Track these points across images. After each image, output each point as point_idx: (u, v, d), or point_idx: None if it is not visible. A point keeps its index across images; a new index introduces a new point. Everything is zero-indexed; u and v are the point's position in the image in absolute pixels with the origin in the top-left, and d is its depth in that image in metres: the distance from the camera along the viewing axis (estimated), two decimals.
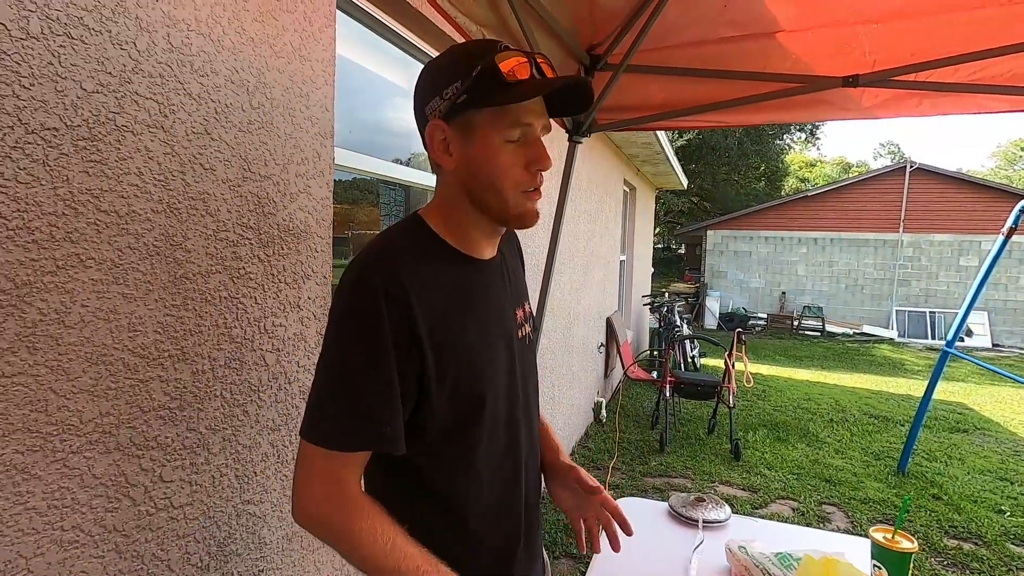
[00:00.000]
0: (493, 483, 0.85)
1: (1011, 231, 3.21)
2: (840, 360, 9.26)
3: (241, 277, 1.12)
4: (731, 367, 4.34)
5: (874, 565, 1.23)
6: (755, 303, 13.41)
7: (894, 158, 47.57)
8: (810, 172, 36.21)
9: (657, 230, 21.70)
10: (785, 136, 20.80)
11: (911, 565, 1.23)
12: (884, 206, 12.39)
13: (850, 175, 26.01)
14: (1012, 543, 3.02)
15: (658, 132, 4.94)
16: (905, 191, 12.17)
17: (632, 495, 1.74)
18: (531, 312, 1.00)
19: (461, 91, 0.75)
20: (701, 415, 5.00)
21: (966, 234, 11.81)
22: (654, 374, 5.28)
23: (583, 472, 0.99)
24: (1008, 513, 3.38)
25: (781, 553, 1.32)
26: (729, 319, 12.47)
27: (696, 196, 19.95)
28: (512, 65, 0.74)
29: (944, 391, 7.13)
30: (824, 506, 3.37)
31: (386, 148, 1.91)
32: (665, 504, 1.56)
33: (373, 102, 1.87)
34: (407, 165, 1.98)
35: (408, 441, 0.76)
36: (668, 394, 4.41)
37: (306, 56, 1.26)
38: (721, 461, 4.02)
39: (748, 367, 4.68)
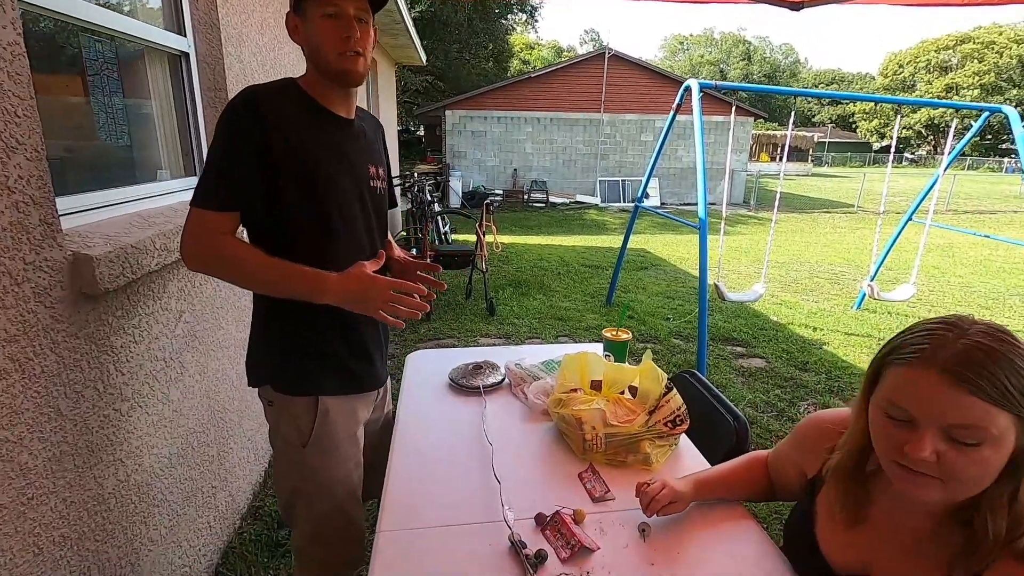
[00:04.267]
0: None
1: (678, 107, 4.14)
2: (561, 226, 10.93)
3: None
4: (482, 237, 4.81)
5: (605, 354, 1.68)
6: (492, 180, 14.53)
7: (595, 45, 53.78)
8: (530, 54, 38.76)
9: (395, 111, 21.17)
10: (509, 16, 21.59)
11: (627, 349, 1.71)
12: (590, 89, 14.24)
13: (563, 59, 28.75)
14: (674, 338, 4.28)
15: None
16: (604, 76, 14.12)
17: (406, 355, 1.91)
18: (385, 175, 1.34)
19: None
20: (459, 283, 5.50)
21: (645, 114, 14.48)
22: (413, 251, 5.51)
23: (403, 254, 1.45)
24: (671, 319, 4.73)
25: (546, 361, 1.69)
26: (471, 197, 13.34)
27: (431, 75, 19.78)
28: None
29: (632, 241, 9.13)
30: (560, 338, 4.21)
31: None
32: (445, 378, 1.66)
33: None
34: (116, 10, 1.56)
35: (278, 232, 1.13)
36: None
37: None
38: (480, 318, 4.58)
39: (497, 237, 5.22)
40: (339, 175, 1.16)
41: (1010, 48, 40.88)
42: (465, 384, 1.62)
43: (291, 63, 2.72)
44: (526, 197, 13.91)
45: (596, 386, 1.42)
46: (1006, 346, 0.70)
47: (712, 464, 1.29)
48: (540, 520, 1.07)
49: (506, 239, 8.75)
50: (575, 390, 1.40)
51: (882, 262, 4.99)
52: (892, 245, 5.07)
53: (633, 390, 1.40)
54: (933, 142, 45.06)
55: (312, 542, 1.26)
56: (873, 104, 44.26)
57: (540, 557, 0.97)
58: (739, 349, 4.10)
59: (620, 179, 14.80)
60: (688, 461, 1.32)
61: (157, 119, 1.84)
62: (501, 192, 14.09)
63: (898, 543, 0.84)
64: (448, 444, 1.34)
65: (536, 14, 22.75)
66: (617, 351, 1.68)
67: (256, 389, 1.25)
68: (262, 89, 1.11)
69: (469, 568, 0.96)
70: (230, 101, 1.09)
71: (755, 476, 1.17)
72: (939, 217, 4.50)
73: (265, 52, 2.36)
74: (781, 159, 28.04)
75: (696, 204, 14.72)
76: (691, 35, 60.75)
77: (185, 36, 1.88)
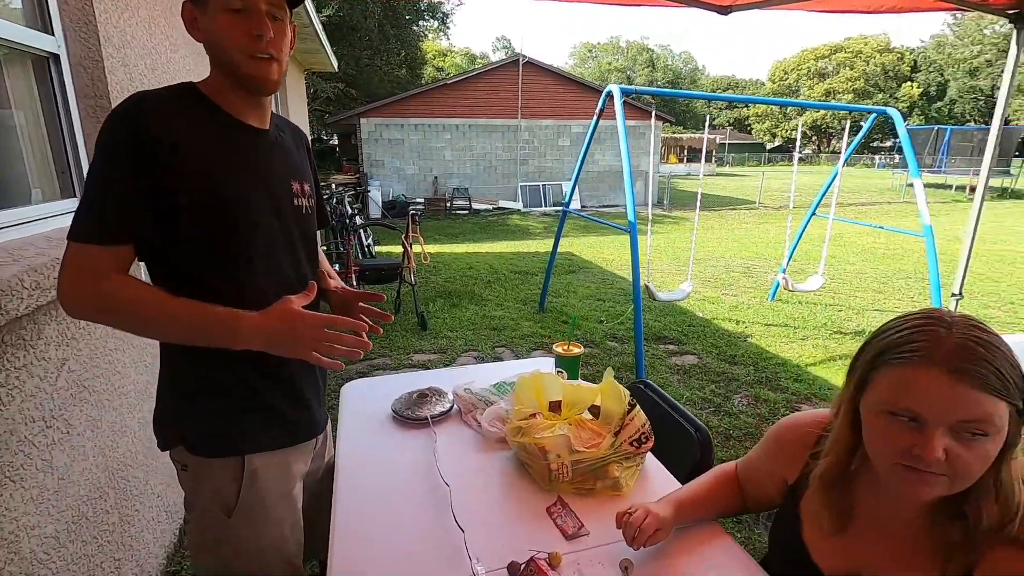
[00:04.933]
0: None
1: (600, 113, 4.19)
2: (486, 232, 10.87)
3: None
4: (409, 248, 4.63)
5: (558, 370, 1.60)
6: (412, 189, 14.22)
7: (507, 52, 54.56)
8: (443, 61, 38.63)
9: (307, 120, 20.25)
10: (420, 23, 21.34)
11: (579, 363, 1.64)
12: (506, 95, 14.31)
13: (476, 66, 28.83)
14: (609, 341, 4.31)
15: (307, 1, 4.42)
16: (520, 82, 14.25)
17: (339, 386, 1.75)
18: (312, 191, 1.17)
19: None
20: (387, 297, 5.26)
21: (561, 120, 14.76)
22: (336, 267, 5.22)
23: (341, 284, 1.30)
24: (604, 321, 4.77)
25: (497, 383, 1.58)
26: (391, 207, 12.98)
27: (342, 82, 19.10)
28: None
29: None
30: (497, 348, 4.12)
31: None
32: (387, 409, 1.52)
33: None
34: None
35: (183, 265, 0.95)
36: (355, 283, 4.46)
37: None
38: (412, 334, 4.39)
39: (425, 247, 5.06)
40: (251, 194, 0.99)
41: (875, 57, 45.79)
42: (411, 416, 1.48)
43: (188, 67, 2.44)
44: (448, 205, 13.73)
45: (555, 407, 1.34)
46: (992, 336, 0.71)
47: (681, 481, 1.24)
48: (514, 570, 0.96)
49: (432, 249, 8.55)
50: (534, 415, 1.31)
51: (791, 255, 5.32)
52: (799, 238, 5.42)
53: (594, 410, 1.32)
54: (817, 142, 49.53)
55: None
56: (766, 106, 48.01)
57: None
58: (672, 347, 4.19)
59: (540, 184, 14.98)
60: (657, 480, 1.26)
61: (20, 133, 1.56)
62: (423, 201, 13.80)
63: (889, 542, 0.83)
64: (399, 488, 1.20)
65: (448, 21, 22.65)
66: (569, 367, 1.61)
67: (163, 451, 1.05)
68: (153, 95, 0.92)
69: None
70: (113, 110, 0.90)
71: (728, 491, 1.13)
72: (830, 210, 4.94)
73: (156, 54, 2.09)
74: (696, 160, 29.66)
75: (615, 206, 15.19)
76: (599, 43, 63.12)
77: (53, 35, 1.61)
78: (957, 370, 0.68)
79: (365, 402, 1.61)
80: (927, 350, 0.71)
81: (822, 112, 39.57)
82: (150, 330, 0.92)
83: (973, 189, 18.52)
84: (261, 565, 1.05)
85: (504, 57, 15.57)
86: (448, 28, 24.05)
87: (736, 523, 2.22)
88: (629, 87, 3.69)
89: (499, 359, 3.89)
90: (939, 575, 0.76)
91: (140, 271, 1.02)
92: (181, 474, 1.03)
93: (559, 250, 8.38)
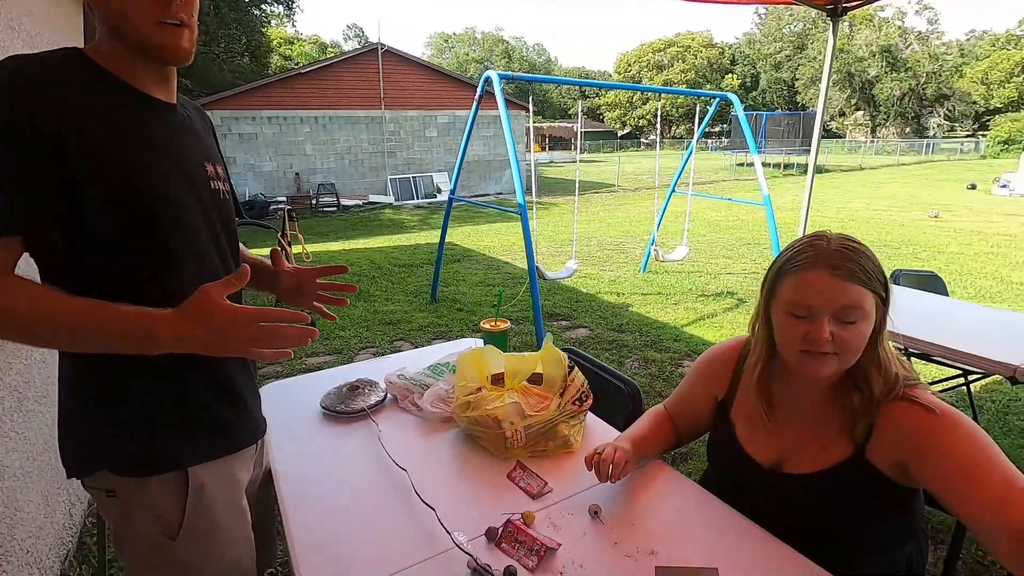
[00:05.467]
0: None
1: (480, 99, 4.22)
2: (359, 228, 10.46)
3: None
4: (288, 247, 4.33)
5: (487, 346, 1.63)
6: (272, 187, 13.22)
7: (361, 41, 52.38)
8: (291, 49, 36.17)
9: None
10: (263, 6, 19.70)
11: (508, 337, 1.68)
12: (367, 85, 13.80)
13: (330, 55, 27.36)
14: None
15: None
16: (380, 71, 13.82)
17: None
18: (225, 175, 1.05)
19: None
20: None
21: (426, 110, 14.59)
22: None
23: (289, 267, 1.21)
24: (495, 304, 4.86)
25: (432, 365, 1.57)
26: (250, 207, 11.95)
27: None
28: None
29: (435, 236, 9.16)
30: (395, 342, 4.02)
31: None
32: (316, 409, 1.44)
33: None
34: None
35: (90, 265, 0.81)
36: None
37: None
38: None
39: (305, 245, 4.76)
40: (168, 177, 0.87)
41: (702, 51, 51.27)
42: (345, 409, 1.42)
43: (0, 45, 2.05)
44: (315, 202, 12.97)
45: (497, 379, 1.37)
46: (859, 244, 0.93)
47: (619, 430, 1.34)
48: (492, 535, 0.98)
49: (308, 248, 8.05)
50: (478, 389, 1.32)
51: (658, 226, 5.83)
52: (663, 214, 5.95)
53: (535, 378, 1.37)
54: (660, 129, 54.37)
55: None
56: (615, 97, 51.51)
57: (510, 574, 0.89)
58: (564, 323, 4.41)
59: (411, 176, 14.73)
60: (599, 433, 1.35)
61: None
62: (285, 199, 12.88)
63: (805, 424, 1.02)
64: (352, 483, 1.16)
65: (294, 5, 21.11)
66: (498, 341, 1.65)
67: (79, 479, 0.91)
68: (31, 60, 0.77)
69: None
70: None
71: (665, 429, 1.26)
72: (682, 188, 5.60)
73: None
74: (556, 148, 31.00)
75: (486, 194, 15.42)
76: (455, 33, 63.20)
77: None
78: (834, 267, 0.89)
79: (287, 404, 1.51)
80: (814, 258, 0.92)
81: (663, 101, 43.46)
82: (43, 339, 0.79)
83: (787, 166, 21.63)
84: None
85: (358, 46, 14.95)
86: (294, 14, 22.45)
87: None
88: (505, 73, 3.78)
89: (398, 350, 3.80)
90: (847, 438, 0.96)
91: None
92: (106, 503, 0.89)
93: (437, 241, 8.34)
